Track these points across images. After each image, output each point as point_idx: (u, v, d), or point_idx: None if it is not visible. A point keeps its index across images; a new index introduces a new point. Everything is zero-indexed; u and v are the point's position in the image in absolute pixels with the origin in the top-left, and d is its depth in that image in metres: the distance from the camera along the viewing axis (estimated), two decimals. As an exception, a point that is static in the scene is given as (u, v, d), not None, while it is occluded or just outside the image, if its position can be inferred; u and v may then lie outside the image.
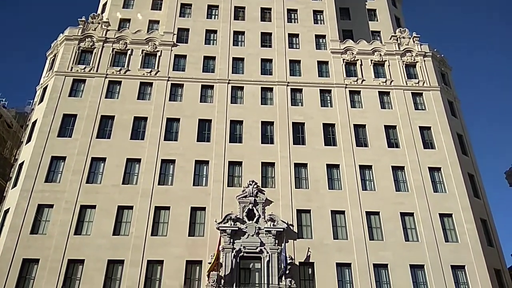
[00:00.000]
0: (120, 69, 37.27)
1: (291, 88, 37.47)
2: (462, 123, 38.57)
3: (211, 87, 37.04)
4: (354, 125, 35.73)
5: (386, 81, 38.67)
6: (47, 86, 36.78)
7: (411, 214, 31.90)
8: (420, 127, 36.14)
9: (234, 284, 27.68)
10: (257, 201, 30.99)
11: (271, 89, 37.41)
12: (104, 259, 28.57)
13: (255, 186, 31.45)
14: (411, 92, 38.20)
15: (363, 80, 38.61)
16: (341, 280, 29.17)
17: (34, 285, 27.52)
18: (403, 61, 40.14)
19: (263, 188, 31.70)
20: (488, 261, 30.35)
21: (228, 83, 37.19)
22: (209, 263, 27.95)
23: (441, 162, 34.40)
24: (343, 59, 39.60)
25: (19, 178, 31.96)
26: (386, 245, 30.41)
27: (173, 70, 37.76)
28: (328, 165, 33.48)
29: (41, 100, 36.34)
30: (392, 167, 33.86)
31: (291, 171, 32.86)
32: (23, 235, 29.02)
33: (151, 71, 37.33)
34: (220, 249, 28.37)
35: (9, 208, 30.68)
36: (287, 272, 27.85)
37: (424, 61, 40.34)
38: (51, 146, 32.74)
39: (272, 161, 33.26)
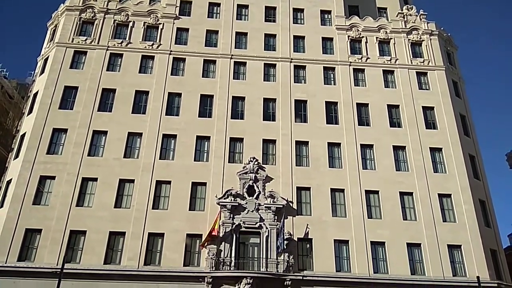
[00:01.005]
0: (122, 42, 36.80)
1: (294, 65, 37.06)
2: (465, 103, 38.31)
3: (214, 62, 36.65)
4: (357, 103, 35.52)
5: (391, 59, 38.19)
6: (48, 57, 36.45)
7: (410, 194, 32.13)
8: (423, 107, 35.94)
9: (233, 258, 28.19)
10: (258, 177, 31.17)
11: (274, 66, 37.00)
12: (106, 231, 29.02)
13: (255, 162, 31.58)
14: (416, 71, 37.79)
15: (368, 58, 38.13)
16: (339, 257, 29.66)
17: (37, 254, 28.07)
18: (409, 39, 39.53)
19: (263, 165, 31.84)
20: (484, 242, 30.74)
21: (231, 58, 36.76)
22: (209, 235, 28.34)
23: (442, 142, 34.37)
24: (348, 36, 38.99)
25: (21, 149, 32.13)
26: (384, 224, 30.76)
27: (175, 43, 37.27)
28: (329, 144, 33.49)
29: (42, 71, 36.09)
30: (393, 146, 33.88)
31: (292, 148, 32.90)
32: (26, 205, 29.39)
33: (152, 44, 36.87)
34: (220, 223, 28.79)
35: (11, 179, 30.99)
36: (286, 247, 28.26)
37: (430, 39, 39.72)
38: (53, 118, 32.73)
39: (273, 138, 33.26)
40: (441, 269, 29.40)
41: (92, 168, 31.07)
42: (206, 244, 28.14)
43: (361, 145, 33.63)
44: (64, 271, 24.91)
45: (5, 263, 27.33)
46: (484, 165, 35.84)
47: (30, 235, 28.75)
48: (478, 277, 26.44)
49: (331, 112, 35.12)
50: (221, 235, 28.72)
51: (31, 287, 26.67)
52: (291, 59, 37.22)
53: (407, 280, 28.67)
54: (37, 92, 34.79)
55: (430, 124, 35.45)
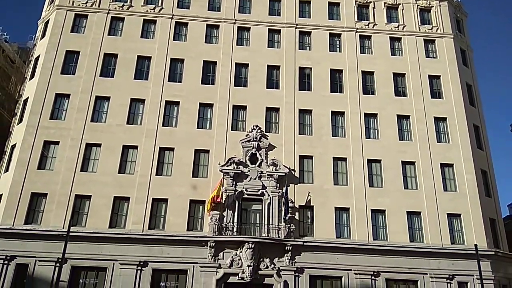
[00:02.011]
0: (123, 5, 35.95)
1: (299, 31, 36.26)
2: (472, 73, 37.69)
3: (217, 27, 35.89)
4: (362, 71, 34.99)
5: (398, 26, 37.28)
6: (48, 20, 35.76)
7: (413, 163, 32.21)
8: (430, 76, 35.41)
9: (236, 224, 28.72)
10: (260, 145, 31.24)
11: (278, 31, 36.22)
12: (110, 196, 29.46)
13: (258, 130, 31.55)
14: (423, 39, 36.96)
15: (375, 24, 37.22)
16: (339, 223, 30.15)
17: (43, 217, 28.67)
18: (417, 5, 38.42)
19: (266, 133, 31.82)
20: (484, 211, 31.09)
21: (234, 23, 35.96)
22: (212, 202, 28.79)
23: (447, 112, 34.09)
24: (355, 1, 37.91)
25: (24, 114, 32.17)
26: (385, 192, 31.05)
27: (178, 7, 36.37)
28: (333, 112, 33.27)
29: (43, 35, 35.54)
30: (398, 115, 33.66)
31: (296, 117, 32.74)
32: (31, 170, 29.74)
33: (154, 8, 36.01)
34: (223, 190, 29.13)
35: (15, 144, 31.20)
36: (287, 214, 28.72)
37: (440, 6, 38.61)
38: (55, 83, 32.54)
39: (276, 106, 33.04)
40: (440, 237, 29.90)
41: (95, 133, 31.17)
42: (211, 207, 28.44)
43: (365, 114, 33.41)
44: (70, 234, 25.50)
45: (13, 226, 27.99)
46: (487, 135, 35.74)
47: (36, 199, 29.25)
48: (476, 245, 26.91)
49: (336, 80, 34.69)
50: (224, 201, 29.12)
51: (38, 249, 27.41)
52: (296, 24, 36.39)
53: (405, 247, 29.23)
54: (38, 57, 34.42)
55: (436, 93, 35.04)
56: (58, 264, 25.95)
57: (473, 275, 28.40)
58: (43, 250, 27.36)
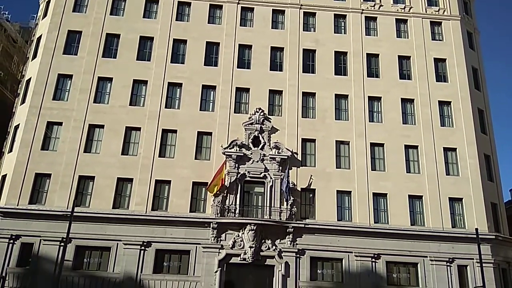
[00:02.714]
0: (125, -16, 35.34)
1: (303, 12, 35.70)
2: (478, 56, 37.17)
3: (220, 7, 35.36)
4: (367, 54, 34.57)
5: (404, 7, 36.62)
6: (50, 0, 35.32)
7: (416, 147, 32.14)
8: (435, 59, 34.95)
9: (238, 206, 28.95)
10: (263, 128, 31.18)
11: (282, 12, 35.67)
12: (114, 177, 29.66)
13: (261, 113, 31.44)
14: (430, 21, 36.32)
15: (381, 5, 36.57)
16: (340, 206, 30.32)
17: (47, 198, 28.95)
18: (425, -14, 37.62)
19: (269, 116, 31.71)
20: (486, 195, 31.14)
21: (238, 3, 35.40)
22: (211, 182, 28.90)
23: (452, 96, 33.80)
24: (362, -18, 37.12)
25: (27, 94, 32.15)
26: (387, 176, 31.09)
27: (180, -15, 35.75)
28: (336, 95, 33.04)
29: (45, 15, 35.16)
30: (402, 99, 33.41)
31: (299, 99, 32.55)
32: (34, 150, 29.89)
33: (157, -13, 35.40)
34: (226, 173, 29.23)
35: (19, 124, 31.29)
36: (289, 196, 28.87)
37: (448, -13, 37.77)
38: (57, 63, 32.38)
39: (280, 89, 32.81)
40: (441, 221, 30.06)
41: (98, 115, 31.16)
42: (217, 191, 28.54)
43: (369, 97, 33.17)
44: (74, 214, 25.77)
45: (17, 205, 28.30)
46: (492, 119, 35.49)
47: (40, 179, 29.49)
48: (476, 229, 27.03)
49: (340, 63, 34.32)
50: (226, 184, 29.26)
51: (43, 228, 27.80)
52: (301, 5, 35.79)
53: (406, 230, 29.44)
54: (40, 36, 34.15)
55: (441, 76, 34.68)
56: (62, 244, 26.31)
57: (473, 259, 28.66)
58: (47, 229, 27.76)
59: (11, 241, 27.60)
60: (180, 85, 32.52)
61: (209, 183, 28.96)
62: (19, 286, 26.72)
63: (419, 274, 28.93)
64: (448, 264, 29.02)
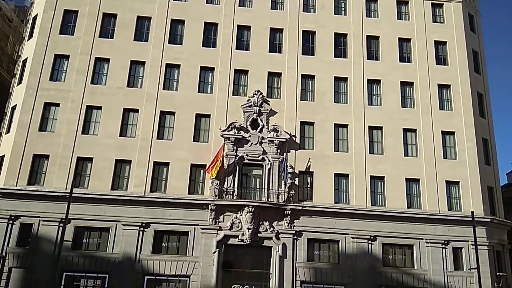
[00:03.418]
0: (122, -38, 34.58)
1: (303, -8, 35.12)
2: (479, 39, 36.84)
3: (219, -13, 34.73)
4: (367, 36, 34.17)
5: (406, -11, 36.04)
6: (45, -23, 34.58)
7: (414, 131, 32.16)
8: (436, 42, 34.63)
9: (236, 188, 29.09)
10: (262, 111, 31.07)
11: (282, -8, 35.07)
12: (112, 158, 29.68)
13: (260, 96, 31.28)
14: (431, 3, 35.81)
15: (382, -14, 35.96)
16: (338, 189, 30.52)
17: (46, 179, 29.01)
18: (427, -33, 36.93)
19: (268, 99, 31.54)
20: (482, 179, 31.35)
21: (237, -18, 34.71)
22: (210, 165, 28.94)
23: (451, 79, 33.64)
24: (363, -39, 36.40)
25: (24, 75, 31.86)
26: (385, 159, 31.20)
27: (179, -35, 35.05)
28: (336, 78, 32.83)
29: (40, -7, 34.48)
30: (401, 82, 33.24)
31: (298, 82, 32.36)
32: (32, 131, 29.80)
33: (154, -34, 34.68)
34: (224, 155, 29.27)
35: (16, 105, 31.10)
36: (288, 179, 28.99)
37: (450, -32, 37.12)
38: (54, 44, 31.97)
39: (279, 71, 32.56)
40: (437, 204, 30.33)
41: (95, 96, 30.97)
42: (215, 173, 28.59)
43: (369, 80, 32.99)
44: (73, 195, 25.87)
45: (16, 186, 28.38)
46: (491, 102, 35.46)
47: (38, 160, 29.49)
48: (472, 212, 27.30)
49: (340, 45, 33.97)
50: (225, 166, 29.32)
51: (42, 209, 27.95)
52: (301, -15, 35.18)
53: (402, 212, 29.72)
54: (36, 16, 33.57)
55: (441, 59, 34.43)
56: (61, 224, 26.52)
57: (468, 241, 29.06)
58: (46, 210, 27.92)
59: (10, 221, 27.78)
60: (178, 66, 32.22)
61: (208, 166, 28.99)
62: (19, 265, 27.03)
63: (415, 256, 29.36)
64: (443, 246, 29.42)
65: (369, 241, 29.14)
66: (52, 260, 25.77)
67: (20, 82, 32.09)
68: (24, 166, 29.01)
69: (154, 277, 27.57)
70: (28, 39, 33.54)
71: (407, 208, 30.12)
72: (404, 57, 34.21)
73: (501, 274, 29.31)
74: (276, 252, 28.27)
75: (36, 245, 27.41)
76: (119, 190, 29.12)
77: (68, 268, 27.12)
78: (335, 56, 33.48)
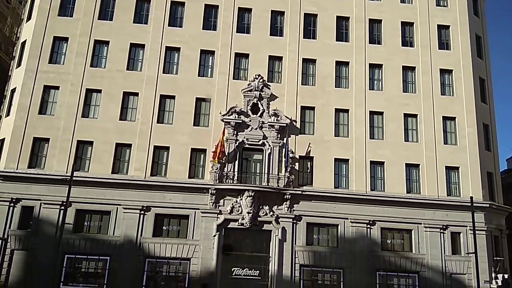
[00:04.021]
0: None
1: (306, -27, 34.48)
2: (483, 23, 36.37)
3: (219, -32, 34.10)
4: (370, 19, 33.71)
5: (409, -29, 35.42)
6: (42, -43, 33.94)
7: (415, 116, 32.06)
8: (439, 26, 34.20)
9: (236, 173, 29.16)
10: (262, 95, 30.90)
11: (284, -27, 34.44)
12: (112, 142, 29.67)
13: (261, 80, 31.06)
14: (435, -14, 35.26)
15: (385, -32, 35.31)
16: (338, 174, 30.59)
17: (46, 162, 29.06)
18: (431, -51, 36.21)
19: (269, 83, 31.34)
20: (482, 164, 31.39)
21: (238, -36, 34.09)
22: (213, 151, 29.07)
23: (454, 64, 33.36)
24: None
25: (23, 57, 31.60)
26: (385, 144, 31.19)
27: None
28: (337, 62, 32.54)
29: (38, -26, 33.88)
30: (403, 67, 32.96)
31: (299, 66, 32.08)
32: (32, 114, 29.72)
33: None
34: (224, 139, 29.24)
35: (15, 88, 30.93)
36: (288, 164, 29.02)
37: (455, -50, 36.39)
38: (52, 26, 31.60)
39: (280, 55, 32.24)
40: (437, 189, 30.44)
41: (95, 79, 30.77)
42: (218, 159, 28.60)
43: (370, 65, 32.71)
44: (74, 178, 25.97)
45: (16, 169, 28.45)
46: (493, 88, 35.24)
47: (39, 143, 29.50)
48: (471, 197, 27.37)
49: (342, 29, 33.54)
50: (225, 151, 29.28)
51: (43, 192, 28.07)
52: (303, -33, 34.53)
53: (402, 197, 29.86)
54: (34, -4, 33.10)
55: (444, 44, 34.06)
56: (62, 207, 26.69)
57: (466, 226, 29.25)
58: (47, 193, 28.05)
59: (12, 204, 27.94)
60: (178, 49, 31.91)
61: (212, 154, 28.78)
62: (21, 248, 27.31)
63: (413, 240, 29.63)
64: (441, 231, 29.65)
65: (368, 226, 29.37)
66: (54, 242, 26.06)
67: (19, 64, 31.84)
68: (24, 149, 29.03)
69: (155, 260, 27.89)
70: (27, 21, 33.15)
71: (406, 193, 30.26)
72: (407, 42, 33.84)
73: (498, 258, 29.62)
74: (276, 236, 28.52)
75: (37, 228, 27.64)
76: (119, 174, 29.20)
77: (69, 251, 27.41)
78: (336, 40, 33.11)
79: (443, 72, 33.23)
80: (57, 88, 30.48)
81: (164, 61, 31.59)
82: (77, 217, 28.16)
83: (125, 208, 28.32)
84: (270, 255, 28.37)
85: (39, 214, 27.89)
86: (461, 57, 33.54)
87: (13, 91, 31.20)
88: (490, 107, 34.25)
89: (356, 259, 28.67)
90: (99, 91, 30.64)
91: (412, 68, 33.11)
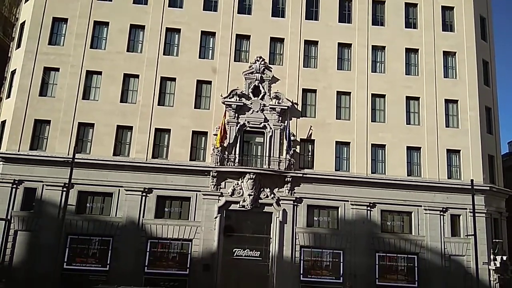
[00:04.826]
0: None
1: (308, -48, 33.79)
2: (487, 4, 35.78)
3: None
4: (373, 0, 33.20)
5: (414, -50, 34.65)
6: None
7: (417, 99, 31.87)
8: (443, 7, 33.64)
9: (237, 155, 29.22)
10: (264, 78, 30.68)
11: (286, -48, 33.74)
12: (113, 124, 29.66)
13: (262, 62, 30.80)
14: (440, -35, 34.56)
15: None
16: (339, 157, 30.62)
17: (48, 144, 29.12)
18: None
19: (270, 65, 31.08)
20: (483, 147, 31.35)
21: None
22: (214, 134, 29.08)
23: (457, 46, 32.97)
24: None
25: (22, 38, 31.31)
26: (386, 127, 31.12)
27: None
28: (339, 44, 32.18)
29: (35, -48, 33.27)
30: (406, 49, 32.60)
31: (301, 48, 31.75)
32: (32, 96, 29.64)
33: None
34: (225, 122, 29.19)
35: (15, 69, 30.77)
36: (290, 147, 29.05)
37: None
38: (51, 6, 31.20)
39: (281, 36, 31.85)
40: (437, 172, 30.48)
41: (95, 61, 30.55)
42: (221, 142, 28.61)
43: (373, 47, 32.35)
44: (76, 160, 26.06)
45: (18, 151, 28.54)
46: (496, 70, 34.93)
47: (40, 125, 29.51)
48: (472, 180, 27.43)
49: (344, 9, 33.03)
50: (226, 133, 29.25)
51: (45, 174, 28.21)
52: None
53: (402, 180, 29.94)
54: (32, -24, 32.57)
55: (448, 26, 33.60)
56: (65, 189, 26.86)
57: (466, 209, 29.41)
58: (49, 175, 28.19)
59: (14, 185, 28.11)
60: (178, 31, 31.57)
61: (215, 136, 28.81)
62: (24, 228, 27.62)
63: (413, 222, 29.84)
64: (441, 213, 29.84)
65: (368, 208, 29.56)
66: (57, 223, 26.32)
67: (18, 46, 31.59)
68: (26, 131, 29.05)
69: (157, 241, 28.21)
70: (26, 1, 32.71)
71: (407, 176, 30.32)
72: (410, 23, 33.38)
73: (497, 240, 29.90)
74: (277, 217, 28.76)
75: (40, 209, 27.88)
76: (121, 156, 29.29)
77: (72, 231, 27.72)
78: (339, 21, 32.68)
79: (446, 54, 32.89)
80: (57, 70, 30.31)
81: (164, 43, 31.28)
82: (79, 199, 28.38)
83: (127, 190, 28.50)
84: (271, 237, 28.66)
85: (42, 195, 28.09)
86: (465, 39, 33.13)
87: (13, 72, 31.04)
88: (493, 90, 33.99)
89: (356, 241, 28.96)
90: (100, 73, 30.47)
91: (415, 50, 32.76)
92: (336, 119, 30.95)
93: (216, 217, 28.45)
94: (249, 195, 28.51)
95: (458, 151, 31.17)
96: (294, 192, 29.33)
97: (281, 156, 29.43)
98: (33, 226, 27.59)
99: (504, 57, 79.34)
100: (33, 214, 27.83)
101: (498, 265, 28.70)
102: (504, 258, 28.92)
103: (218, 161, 28.91)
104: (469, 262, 28.88)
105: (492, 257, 29.00)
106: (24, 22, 31.75)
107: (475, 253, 26.29)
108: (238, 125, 29.67)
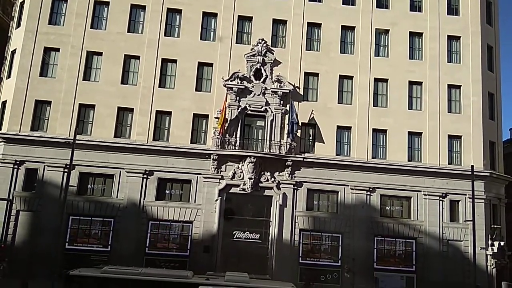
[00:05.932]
0: None
1: None
2: (494, -12, 35.15)
3: None
4: (378, -18, 32.64)
5: None
6: None
7: (420, 83, 31.63)
8: (448, -11, 33.15)
9: (238, 139, 29.20)
10: (266, 61, 30.38)
11: None
12: (114, 106, 29.57)
13: (264, 44, 30.44)
14: None
15: None
16: (340, 142, 30.60)
17: (49, 125, 29.12)
18: None
19: (272, 48, 30.73)
20: (485, 133, 31.27)
21: None
22: (216, 117, 28.99)
23: (462, 30, 32.53)
24: None
25: (22, 17, 30.93)
26: (388, 112, 30.99)
27: None
28: (343, 27, 31.74)
29: None
30: (410, 32, 32.16)
31: (304, 31, 31.34)
32: (33, 77, 29.48)
33: None
34: (226, 105, 29.06)
35: (16, 49, 30.50)
36: (292, 131, 28.99)
37: None
38: (51, -16, 30.74)
39: (284, 18, 31.42)
40: (438, 157, 30.48)
41: (96, 41, 30.25)
42: (221, 126, 28.53)
43: (376, 30, 31.94)
44: (77, 142, 26.04)
45: (19, 132, 28.54)
46: (501, 55, 34.50)
47: (41, 106, 29.45)
48: (472, 166, 27.44)
49: (349, -9, 32.55)
50: (227, 116, 29.21)
51: (46, 155, 28.29)
52: None
53: (402, 165, 29.98)
54: (31, -46, 31.94)
55: (453, 9, 33.07)
56: (66, 170, 26.95)
57: (465, 194, 29.52)
58: (50, 156, 28.28)
59: (16, 166, 28.22)
60: (179, 11, 31.13)
61: (217, 120, 28.75)
62: (26, 209, 27.84)
63: (412, 207, 30.01)
64: (441, 198, 29.97)
65: (368, 192, 29.68)
66: (58, 204, 26.46)
67: (18, 25, 31.23)
68: (26, 112, 29.00)
69: (158, 222, 28.47)
70: (24, -20, 32.16)
71: (407, 161, 30.35)
72: (415, 6, 32.84)
73: (495, 226, 30.09)
74: (277, 201, 28.93)
75: (42, 190, 28.06)
76: (122, 138, 29.29)
77: (74, 212, 27.97)
78: (343, 3, 32.14)
79: (450, 38, 32.48)
80: (57, 50, 30.06)
81: (165, 24, 30.89)
82: (80, 180, 28.50)
83: (128, 172, 28.61)
84: (271, 220, 28.89)
85: (43, 176, 28.23)
86: (470, 24, 32.66)
87: (13, 52, 30.78)
88: (496, 75, 33.69)
89: (355, 225, 29.19)
90: (100, 53, 30.21)
91: (419, 34, 32.33)
92: (338, 103, 30.80)
93: (216, 200, 28.62)
94: (250, 178, 28.61)
95: (460, 136, 31.09)
96: (295, 176, 29.41)
97: (282, 140, 29.41)
98: (34, 207, 27.81)
99: (508, 42, 78.25)
100: (35, 195, 28.02)
101: (495, 250, 28.97)
102: (502, 243, 29.17)
103: (219, 144, 28.91)
104: (466, 247, 29.15)
105: (490, 242, 29.24)
106: (23, 0, 31.30)
107: (473, 238, 26.48)
108: (239, 108, 29.55)
